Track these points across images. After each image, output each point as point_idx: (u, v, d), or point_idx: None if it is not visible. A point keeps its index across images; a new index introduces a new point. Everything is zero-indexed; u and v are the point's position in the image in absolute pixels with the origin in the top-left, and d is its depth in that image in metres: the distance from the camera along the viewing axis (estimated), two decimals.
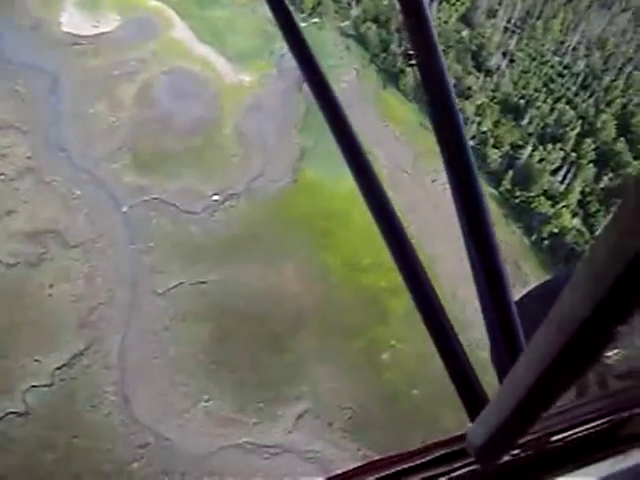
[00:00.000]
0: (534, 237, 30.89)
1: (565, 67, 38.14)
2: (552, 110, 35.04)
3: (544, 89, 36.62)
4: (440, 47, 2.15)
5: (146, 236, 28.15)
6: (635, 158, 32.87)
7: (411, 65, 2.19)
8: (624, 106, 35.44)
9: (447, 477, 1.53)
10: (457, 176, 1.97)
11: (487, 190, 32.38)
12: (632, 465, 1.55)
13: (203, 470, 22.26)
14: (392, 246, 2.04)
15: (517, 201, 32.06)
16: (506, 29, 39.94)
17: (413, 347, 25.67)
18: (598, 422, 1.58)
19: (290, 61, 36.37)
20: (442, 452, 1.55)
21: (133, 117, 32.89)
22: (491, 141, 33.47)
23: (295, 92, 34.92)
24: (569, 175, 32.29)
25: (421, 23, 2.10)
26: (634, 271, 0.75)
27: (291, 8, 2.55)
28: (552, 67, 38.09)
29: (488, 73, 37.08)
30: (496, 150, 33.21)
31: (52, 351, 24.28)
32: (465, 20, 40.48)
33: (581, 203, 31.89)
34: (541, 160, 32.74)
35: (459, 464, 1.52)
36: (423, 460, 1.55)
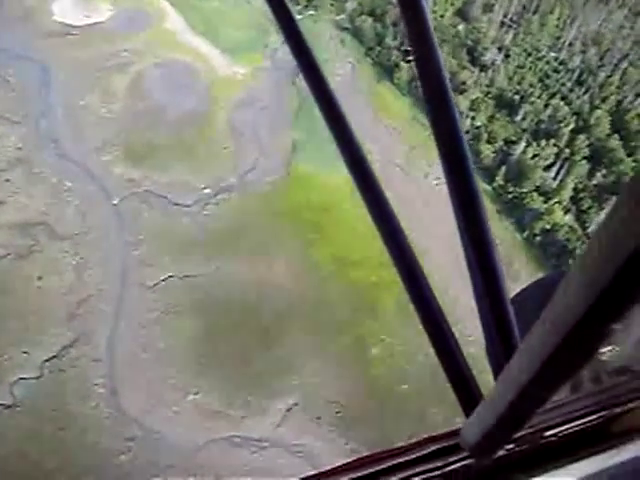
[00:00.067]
0: (526, 233, 30.86)
1: (561, 63, 37.99)
2: (546, 106, 34.93)
3: (539, 85, 36.48)
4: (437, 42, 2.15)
5: (136, 229, 28.02)
6: (629, 155, 32.81)
7: (408, 61, 2.14)
8: (619, 103, 35.35)
9: (441, 471, 1.54)
10: (453, 172, 1.96)
11: (480, 185, 32.25)
12: (625, 460, 1.57)
13: (191, 463, 22.25)
14: (388, 241, 2.04)
15: (510, 197, 32.01)
16: (502, 24, 39.73)
17: (403, 342, 25.68)
18: (591, 417, 1.60)
19: (284, 54, 36.16)
20: (436, 447, 1.56)
21: (125, 109, 32.66)
22: (485, 136, 33.37)
23: (289, 85, 34.72)
24: (562, 171, 32.23)
25: (418, 17, 2.09)
26: (628, 271, 0.76)
27: (287, 0, 2.53)
28: (548, 63, 37.94)
29: (483, 68, 36.91)
30: (489, 145, 33.12)
31: (40, 343, 24.19)
32: (461, 14, 40.26)
33: (574, 199, 31.84)
34: (534, 156, 32.67)
35: (453, 459, 1.54)
36: (417, 454, 1.56)
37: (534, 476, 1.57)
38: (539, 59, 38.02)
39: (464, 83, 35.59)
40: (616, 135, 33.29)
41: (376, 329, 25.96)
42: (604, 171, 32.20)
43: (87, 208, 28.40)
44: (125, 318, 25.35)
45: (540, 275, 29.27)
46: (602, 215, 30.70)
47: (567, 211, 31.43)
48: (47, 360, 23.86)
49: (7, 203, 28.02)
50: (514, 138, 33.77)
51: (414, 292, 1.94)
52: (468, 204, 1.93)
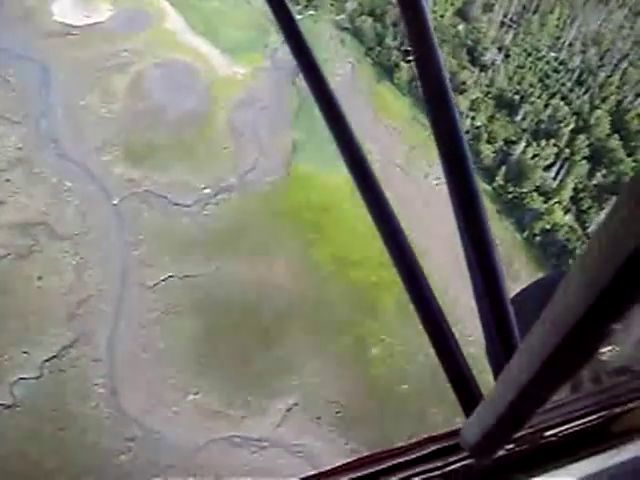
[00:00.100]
0: (526, 233, 30.86)
1: (561, 63, 37.98)
2: (546, 106, 34.93)
3: (539, 85, 36.48)
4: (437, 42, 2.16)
5: (136, 229, 28.02)
6: (629, 155, 32.81)
7: (408, 61, 2.15)
8: (619, 103, 35.34)
9: (441, 471, 1.54)
10: (453, 172, 1.96)
11: (480, 185, 32.25)
12: (625, 460, 1.57)
13: (191, 463, 22.26)
14: (388, 241, 2.04)
15: (510, 197, 32.01)
16: (502, 24, 39.73)
17: (403, 342, 25.68)
18: (591, 417, 1.60)
19: (284, 54, 36.16)
20: (436, 447, 1.57)
21: (125, 109, 32.66)
22: (485, 136, 33.37)
23: (289, 85, 34.72)
24: (562, 171, 32.23)
25: (418, 17, 2.10)
26: (628, 271, 0.76)
27: (287, 0, 2.54)
28: (548, 63, 37.93)
29: (483, 68, 36.91)
30: (489, 145, 33.12)
31: (40, 343, 24.20)
32: (461, 14, 40.25)
33: (574, 199, 31.84)
34: (534, 156, 32.66)
35: (453, 459, 1.54)
36: (418, 454, 1.56)
37: (534, 476, 1.57)
38: (539, 59, 38.02)
39: (464, 83, 35.59)
40: (616, 135, 33.29)
41: (376, 329, 25.96)
42: (604, 171, 32.20)
43: (87, 208, 28.40)
44: (125, 318, 25.36)
45: (540, 275, 29.26)
46: (602, 215, 30.69)
47: (567, 211, 31.43)
48: (47, 360, 23.87)
49: (7, 203, 28.03)
50: (514, 138, 33.78)
51: (414, 292, 1.94)
52: (468, 204, 1.93)
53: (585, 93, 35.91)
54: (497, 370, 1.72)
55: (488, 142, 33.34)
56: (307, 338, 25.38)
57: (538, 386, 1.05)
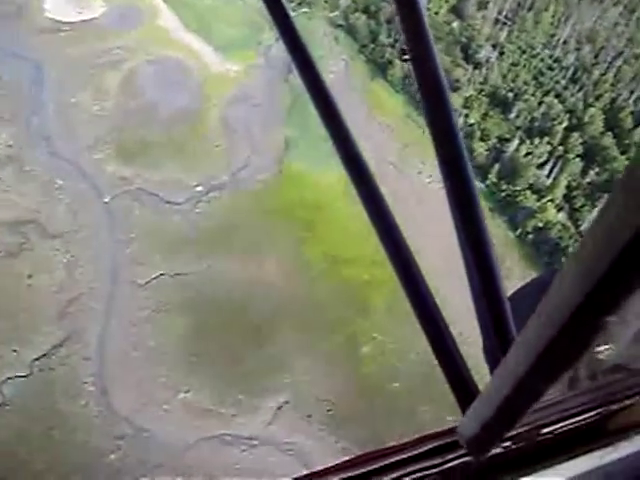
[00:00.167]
0: (519, 231, 30.83)
1: (555, 60, 37.90)
2: (540, 103, 34.86)
3: (533, 82, 36.40)
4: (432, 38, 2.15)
5: (128, 226, 27.92)
6: (622, 153, 32.76)
7: (405, 60, 2.13)
8: (613, 100, 35.29)
9: (439, 469, 1.55)
10: (450, 171, 1.96)
11: None
12: (621, 456, 1.57)
13: (181, 462, 22.22)
14: (383, 237, 2.04)
15: (503, 195, 31.97)
16: (497, 21, 39.62)
17: (394, 340, 25.65)
18: (587, 415, 1.61)
19: (277, 52, 36.02)
20: (434, 444, 1.57)
21: (117, 106, 32.51)
22: (478, 134, 33.30)
23: (282, 83, 34.60)
24: (555, 169, 32.19)
25: (414, 15, 2.09)
26: (623, 261, 0.76)
27: None
28: (542, 60, 37.84)
29: (477, 65, 36.82)
30: (483, 143, 33.05)
31: (30, 342, 24.11)
32: (456, 11, 40.12)
33: (567, 197, 31.82)
34: (528, 154, 32.61)
35: (451, 456, 1.54)
36: (415, 452, 1.57)
37: (531, 473, 1.57)
38: (533, 56, 37.93)
39: (458, 81, 35.49)
40: (610, 133, 33.25)
41: (367, 327, 25.93)
42: (597, 169, 32.17)
43: (78, 206, 28.29)
44: (116, 316, 25.28)
45: (532, 273, 29.26)
46: (595, 213, 30.68)
47: (560, 209, 31.41)
48: (37, 359, 23.79)
49: None
50: (507, 136, 33.72)
51: (410, 288, 1.94)
52: (465, 203, 1.92)
53: (579, 91, 35.85)
54: (494, 368, 1.72)
55: (481, 140, 33.29)
56: (298, 336, 25.33)
57: (534, 378, 1.04)
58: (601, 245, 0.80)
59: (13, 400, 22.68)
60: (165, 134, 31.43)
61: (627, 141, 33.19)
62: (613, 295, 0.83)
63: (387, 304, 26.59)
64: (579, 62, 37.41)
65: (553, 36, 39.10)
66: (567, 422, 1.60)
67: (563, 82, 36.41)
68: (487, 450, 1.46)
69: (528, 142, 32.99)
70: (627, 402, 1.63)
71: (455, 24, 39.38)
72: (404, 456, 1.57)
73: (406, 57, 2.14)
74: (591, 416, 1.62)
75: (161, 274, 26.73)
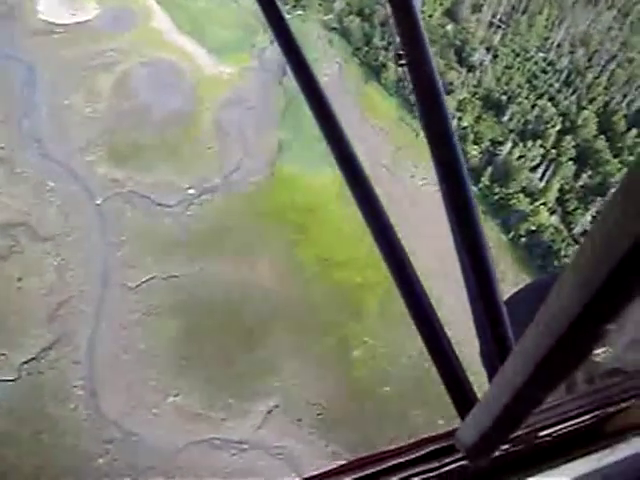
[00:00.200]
0: (511, 234, 30.80)
1: (549, 63, 37.96)
2: (533, 107, 34.88)
3: (527, 85, 36.44)
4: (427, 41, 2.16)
5: (119, 229, 27.84)
6: (615, 156, 32.79)
7: (401, 65, 2.15)
8: (606, 104, 35.33)
9: (436, 472, 1.55)
10: (445, 174, 1.96)
11: None
12: (619, 459, 1.58)
13: (170, 465, 22.11)
14: (378, 239, 2.03)
15: (496, 198, 31.95)
16: (491, 24, 39.67)
17: (385, 344, 25.59)
18: (585, 417, 1.61)
19: (271, 54, 36.00)
20: (431, 448, 1.57)
21: (110, 108, 32.45)
22: (471, 137, 33.30)
23: (275, 86, 34.58)
24: (548, 172, 32.20)
25: (409, 20, 2.10)
26: (622, 271, 0.75)
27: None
28: (536, 63, 37.90)
29: (471, 68, 36.84)
30: (476, 146, 33.05)
31: (20, 345, 24.00)
32: (450, 14, 40.17)
33: (559, 201, 31.81)
34: (521, 157, 32.61)
35: (449, 460, 1.54)
36: (413, 456, 1.57)
37: (529, 476, 1.57)
38: (527, 60, 37.98)
39: (451, 83, 35.50)
40: (603, 136, 33.28)
41: (359, 331, 25.86)
42: (590, 172, 32.18)
43: (70, 208, 28.20)
44: (106, 319, 25.18)
45: (525, 276, 29.24)
46: (588, 216, 30.68)
47: (553, 212, 31.40)
48: (26, 362, 23.67)
49: None
50: (501, 139, 33.73)
51: (408, 295, 1.94)
52: (461, 206, 1.92)
53: (573, 94, 35.89)
54: (491, 372, 1.75)
55: (474, 143, 33.28)
56: (290, 339, 25.25)
57: (533, 387, 1.05)
58: (599, 254, 0.79)
59: (1, 404, 22.55)
60: (158, 136, 31.37)
61: (620, 144, 33.22)
62: (612, 304, 0.82)
63: (379, 307, 26.55)
64: (573, 65, 37.47)
65: (547, 39, 39.18)
66: (565, 425, 1.60)
67: (557, 85, 36.46)
68: (486, 455, 1.47)
69: (521, 145, 33.00)
70: (624, 405, 1.63)
71: (449, 27, 39.43)
72: (401, 460, 1.57)
73: (402, 62, 2.14)
74: (589, 419, 1.62)
75: (152, 277, 26.65)
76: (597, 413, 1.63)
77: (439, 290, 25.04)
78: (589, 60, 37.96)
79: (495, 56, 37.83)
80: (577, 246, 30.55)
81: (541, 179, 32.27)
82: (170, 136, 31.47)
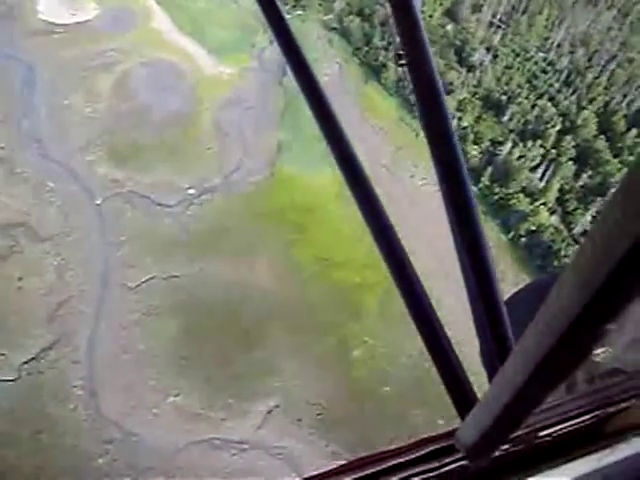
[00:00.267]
0: (511, 234, 30.78)
1: (549, 63, 37.95)
2: (533, 107, 34.87)
3: (527, 85, 36.42)
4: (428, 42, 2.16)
5: (119, 229, 27.84)
6: (615, 156, 32.77)
7: (401, 65, 2.14)
8: (606, 104, 35.32)
9: (437, 472, 1.55)
10: (446, 174, 1.96)
11: None
12: (619, 459, 1.58)
13: (170, 466, 22.11)
14: (378, 239, 2.03)
15: (496, 198, 31.93)
16: (491, 24, 39.66)
17: (385, 344, 25.58)
18: (585, 417, 1.62)
19: (271, 54, 36.00)
20: (431, 448, 1.57)
21: (110, 109, 32.46)
22: (471, 137, 33.28)
23: (275, 86, 34.57)
24: (548, 172, 32.18)
25: (410, 20, 2.11)
26: (621, 271, 0.76)
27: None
28: (536, 63, 37.89)
29: (471, 68, 36.82)
30: (476, 146, 33.03)
31: (19, 345, 24.00)
32: (450, 14, 40.16)
33: (559, 201, 31.79)
34: (521, 157, 32.60)
35: (449, 460, 1.55)
36: (413, 456, 1.57)
37: (529, 476, 1.57)
38: (527, 59, 37.97)
39: (451, 83, 35.49)
40: (603, 136, 33.26)
41: (358, 331, 25.85)
42: (590, 172, 32.16)
43: (69, 208, 28.20)
44: (106, 319, 25.18)
45: (525, 276, 29.22)
46: (588, 217, 30.67)
47: (553, 212, 31.38)
48: (26, 362, 23.67)
49: None
50: (501, 139, 33.71)
51: (408, 296, 1.95)
52: (461, 206, 1.93)
53: (573, 94, 35.88)
54: (491, 371, 1.75)
55: (474, 143, 33.27)
56: (289, 339, 25.25)
57: (533, 387, 1.05)
58: (599, 253, 0.79)
59: (1, 404, 22.55)
60: (157, 137, 31.37)
61: (620, 144, 33.20)
62: (612, 304, 0.82)
63: (378, 307, 26.54)
64: (573, 65, 37.46)
65: (547, 39, 39.17)
66: (565, 425, 1.60)
67: (557, 85, 36.45)
68: (486, 455, 1.47)
69: (521, 145, 32.99)
70: (624, 405, 1.63)
71: (449, 27, 39.42)
72: (401, 460, 1.57)
73: (402, 62, 2.14)
74: (589, 419, 1.62)
75: (152, 277, 26.65)
76: (597, 413, 1.63)
77: (438, 290, 25.03)
78: (589, 60, 37.95)
79: (495, 56, 37.82)
80: (577, 246, 30.54)
81: (541, 179, 32.26)
82: (170, 136, 31.47)
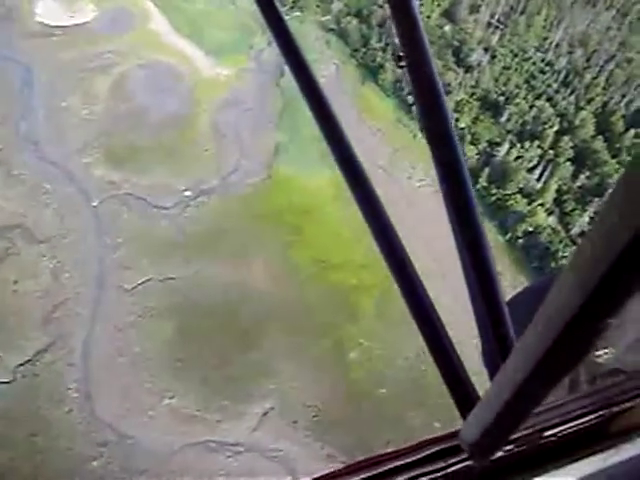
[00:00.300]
0: (509, 235, 30.68)
1: (547, 64, 37.84)
2: (531, 107, 34.77)
3: (525, 86, 36.33)
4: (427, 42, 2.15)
5: (115, 231, 27.82)
6: (613, 157, 32.65)
7: (401, 67, 2.12)
8: (604, 104, 35.20)
9: (443, 473, 1.55)
10: (446, 175, 1.96)
11: None
12: (624, 459, 1.59)
13: (165, 468, 22.06)
14: (379, 239, 2.04)
15: (493, 199, 31.83)
16: (489, 25, 39.59)
17: (382, 346, 25.50)
18: (590, 417, 1.62)
19: (269, 56, 35.98)
20: (436, 448, 1.58)
21: (107, 111, 32.47)
22: (468, 138, 33.20)
23: (273, 87, 34.55)
24: (546, 173, 32.08)
25: (409, 21, 2.11)
26: (620, 269, 0.77)
27: (275, 0, 2.57)
28: (534, 64, 37.80)
29: (469, 69, 36.75)
30: (473, 147, 32.95)
31: (15, 347, 23.98)
32: (448, 15, 40.10)
33: (557, 201, 31.68)
34: (518, 157, 32.50)
35: (454, 460, 1.55)
36: (418, 456, 1.58)
37: (534, 476, 1.58)
38: (525, 60, 37.88)
39: (449, 84, 35.41)
40: (600, 137, 33.14)
41: (355, 333, 25.78)
42: (588, 173, 32.04)
43: (66, 211, 28.20)
44: (101, 321, 25.15)
45: (523, 277, 29.11)
46: (585, 217, 30.55)
47: (550, 213, 31.27)
48: (21, 364, 23.65)
49: None
50: (498, 139, 33.62)
51: (408, 295, 1.95)
52: (462, 206, 1.93)
53: (571, 94, 35.77)
54: (493, 371, 1.75)
55: (472, 143, 33.18)
56: (285, 341, 25.18)
57: (534, 384, 1.06)
58: (598, 250, 0.80)
59: None
60: (154, 139, 31.36)
61: (618, 145, 33.08)
62: (610, 303, 0.84)
63: (375, 309, 26.47)
64: (571, 66, 37.36)
65: (545, 39, 39.07)
66: (569, 425, 1.61)
67: (555, 86, 36.34)
68: (489, 454, 1.47)
69: (519, 146, 32.89)
70: (628, 404, 1.63)
71: (447, 28, 39.35)
72: (406, 461, 1.57)
73: (402, 64, 2.14)
74: (593, 419, 1.62)
75: (148, 279, 26.62)
76: (602, 413, 1.63)
77: (437, 291, 24.88)
78: (587, 60, 37.84)
79: (493, 57, 37.74)
80: (575, 247, 30.41)
81: (539, 180, 32.15)
82: (167, 138, 31.47)
